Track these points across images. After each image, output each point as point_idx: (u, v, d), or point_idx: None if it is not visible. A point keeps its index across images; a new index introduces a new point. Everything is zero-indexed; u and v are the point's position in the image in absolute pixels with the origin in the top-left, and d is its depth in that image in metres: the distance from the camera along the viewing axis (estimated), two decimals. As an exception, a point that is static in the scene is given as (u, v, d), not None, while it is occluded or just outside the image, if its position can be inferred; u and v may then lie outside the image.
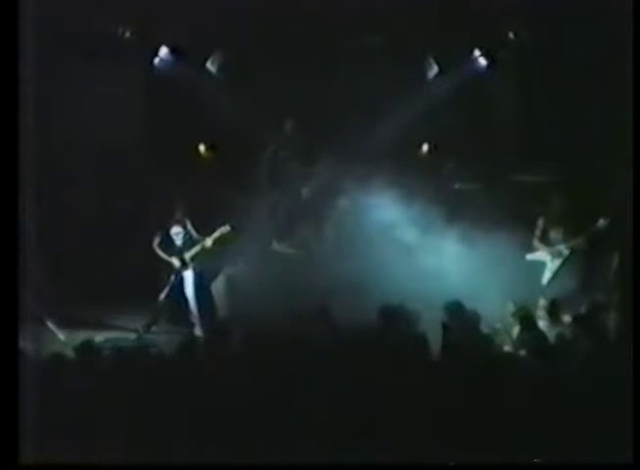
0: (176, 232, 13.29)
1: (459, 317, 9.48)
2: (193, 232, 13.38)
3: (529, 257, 13.19)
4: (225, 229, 13.10)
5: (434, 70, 14.69)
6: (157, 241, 13.34)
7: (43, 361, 8.63)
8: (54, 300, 12.82)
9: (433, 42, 14.33)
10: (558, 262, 13.07)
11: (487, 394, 7.82)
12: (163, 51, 14.54)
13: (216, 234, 13.14)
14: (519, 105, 14.85)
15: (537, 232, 13.21)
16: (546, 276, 13.06)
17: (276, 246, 14.90)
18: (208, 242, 13.16)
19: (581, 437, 7.46)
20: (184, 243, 13.29)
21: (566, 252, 13.04)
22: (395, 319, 9.60)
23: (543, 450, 7.41)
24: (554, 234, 13.12)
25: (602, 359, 8.63)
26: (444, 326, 9.35)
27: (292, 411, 7.79)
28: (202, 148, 14.95)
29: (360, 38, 14.39)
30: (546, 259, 13.15)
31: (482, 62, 14.61)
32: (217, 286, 13.70)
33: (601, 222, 12.78)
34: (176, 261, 13.25)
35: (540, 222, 13.23)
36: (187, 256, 13.21)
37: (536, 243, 13.19)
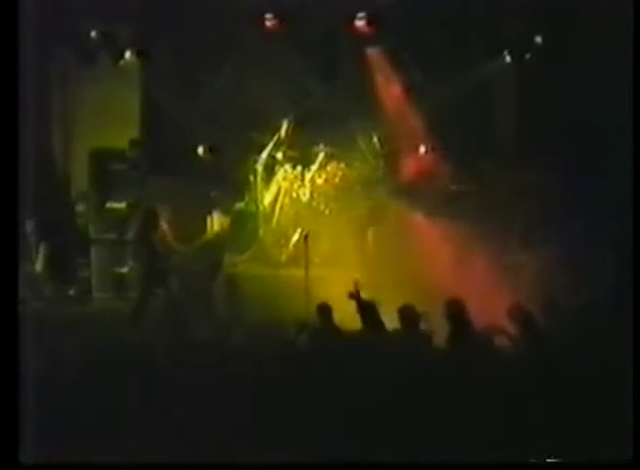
0: None
1: (458, 316, 9.49)
2: None
3: None
4: None
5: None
6: None
7: (44, 360, 8.64)
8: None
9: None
10: None
11: (487, 393, 7.84)
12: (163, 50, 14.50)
13: None
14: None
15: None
16: None
17: None
18: None
19: (581, 436, 7.47)
20: None
21: None
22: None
23: (543, 450, 7.42)
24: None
25: (602, 358, 8.64)
26: (443, 325, 9.35)
27: (289, 410, 7.81)
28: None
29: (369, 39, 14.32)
30: None
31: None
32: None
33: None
34: None
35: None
36: None
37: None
